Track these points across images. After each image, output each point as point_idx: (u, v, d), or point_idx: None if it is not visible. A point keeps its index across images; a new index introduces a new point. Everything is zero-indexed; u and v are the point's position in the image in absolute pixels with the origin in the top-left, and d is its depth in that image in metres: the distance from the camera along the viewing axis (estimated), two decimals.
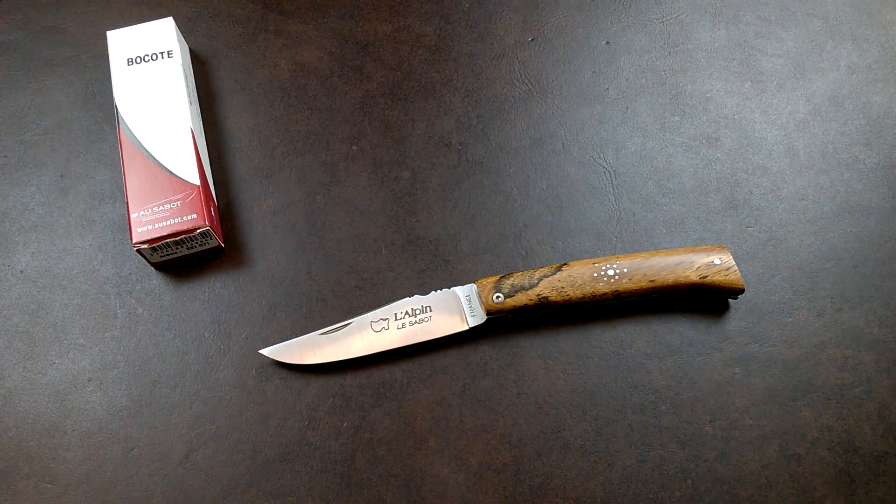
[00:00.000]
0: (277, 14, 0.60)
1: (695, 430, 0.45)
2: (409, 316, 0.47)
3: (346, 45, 0.59)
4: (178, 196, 0.48)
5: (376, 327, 0.47)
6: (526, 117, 0.56)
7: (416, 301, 0.47)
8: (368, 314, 0.47)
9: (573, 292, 0.46)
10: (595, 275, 0.46)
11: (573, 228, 0.51)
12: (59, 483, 0.44)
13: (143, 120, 0.51)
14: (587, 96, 0.56)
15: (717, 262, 0.46)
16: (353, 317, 0.47)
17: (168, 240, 0.47)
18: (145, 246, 0.47)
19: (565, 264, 0.47)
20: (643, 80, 0.57)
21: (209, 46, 0.59)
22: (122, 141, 0.50)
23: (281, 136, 0.55)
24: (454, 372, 0.47)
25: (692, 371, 0.46)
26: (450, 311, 0.47)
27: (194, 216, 0.47)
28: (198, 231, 0.47)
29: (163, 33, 0.54)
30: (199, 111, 0.55)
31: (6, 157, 0.54)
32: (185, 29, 0.59)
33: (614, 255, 0.48)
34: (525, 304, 0.46)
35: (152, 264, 0.50)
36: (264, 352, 0.46)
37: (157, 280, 0.50)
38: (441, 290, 0.48)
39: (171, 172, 0.49)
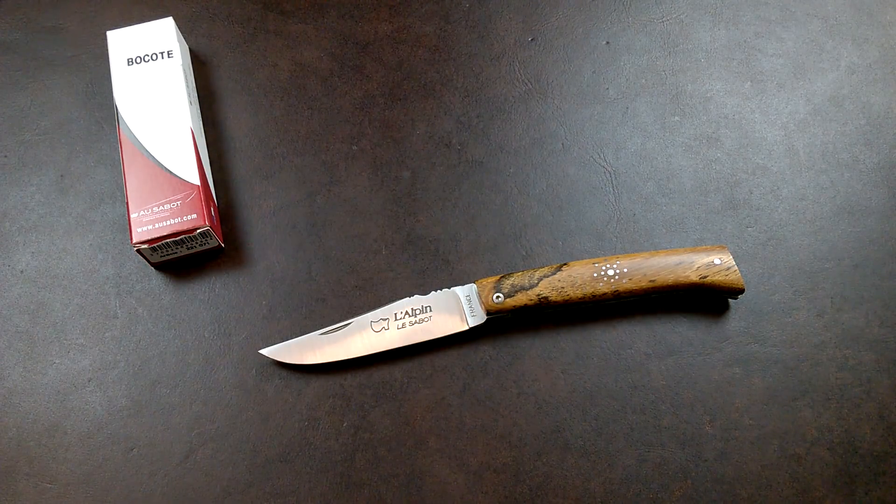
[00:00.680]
0: (277, 14, 0.60)
1: (695, 430, 0.45)
2: (409, 316, 0.47)
3: (346, 45, 0.59)
4: (178, 196, 0.48)
5: (376, 327, 0.47)
6: (526, 117, 0.56)
7: (416, 301, 0.47)
8: (368, 314, 0.47)
9: (573, 292, 0.46)
10: (595, 275, 0.46)
11: (573, 228, 0.51)
12: (59, 483, 0.44)
13: (143, 120, 0.51)
14: (587, 96, 0.56)
15: (717, 262, 0.46)
16: (353, 317, 0.47)
17: (168, 240, 0.47)
18: (145, 246, 0.47)
19: (565, 264, 0.47)
20: (643, 80, 0.57)
21: (209, 46, 0.59)
22: (122, 141, 0.50)
23: (281, 136, 0.55)
24: (454, 372, 0.47)
25: (692, 371, 0.46)
26: (450, 311, 0.47)
27: (194, 216, 0.47)
28: (198, 231, 0.47)
29: (163, 33, 0.54)
30: (199, 111, 0.55)
31: (6, 157, 0.54)
32: (185, 29, 0.59)
33: (614, 255, 0.48)
34: (525, 304, 0.46)
35: (152, 264, 0.50)
36: (264, 352, 0.46)
37: (157, 280, 0.50)
38: (441, 290, 0.48)
39: (171, 172, 0.49)
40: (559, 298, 0.46)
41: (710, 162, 0.54)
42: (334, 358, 0.46)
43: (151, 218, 0.47)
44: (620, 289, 0.46)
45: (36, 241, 0.51)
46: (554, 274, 0.46)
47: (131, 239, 0.47)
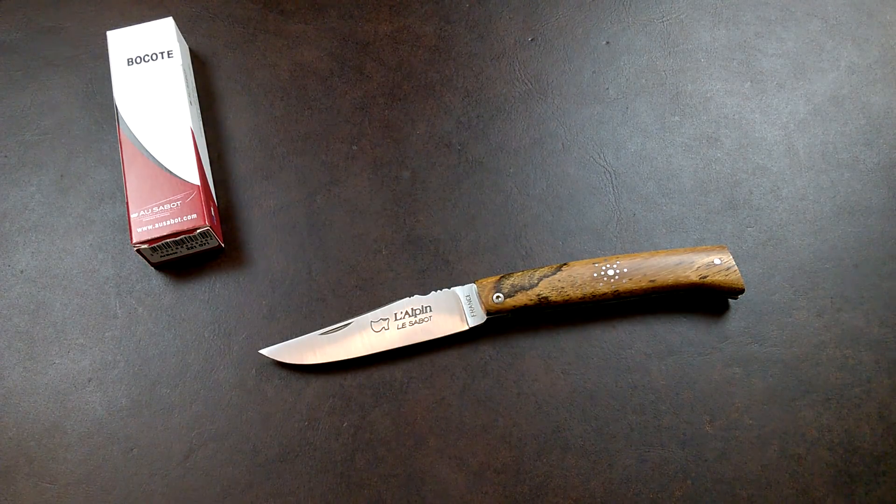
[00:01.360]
0: (277, 14, 0.60)
1: (695, 430, 0.45)
2: (409, 316, 0.47)
3: (346, 45, 0.59)
4: (178, 196, 0.48)
5: (376, 327, 0.47)
6: (526, 117, 0.56)
7: (416, 301, 0.47)
8: (368, 314, 0.47)
9: (573, 292, 0.46)
10: (595, 275, 0.46)
11: (573, 228, 0.51)
12: (59, 483, 0.44)
13: (143, 120, 0.51)
14: (587, 96, 0.56)
15: (717, 262, 0.46)
16: (353, 317, 0.47)
17: (168, 240, 0.47)
18: (145, 246, 0.47)
19: (565, 264, 0.47)
20: (643, 80, 0.57)
21: (209, 46, 0.59)
22: (122, 141, 0.50)
23: (281, 136, 0.55)
24: (454, 372, 0.47)
25: (692, 371, 0.46)
26: (450, 311, 0.47)
27: (194, 216, 0.47)
28: (198, 231, 0.47)
29: (163, 33, 0.54)
30: (198, 111, 0.55)
31: (6, 157, 0.54)
32: (185, 29, 0.59)
33: (614, 255, 0.48)
34: (525, 304, 0.46)
35: (152, 264, 0.50)
36: (264, 352, 0.46)
37: (157, 280, 0.50)
38: (441, 290, 0.48)
39: (171, 172, 0.49)
40: (559, 298, 0.46)
41: (710, 162, 0.54)
42: (334, 358, 0.46)
43: (151, 218, 0.47)
44: (620, 289, 0.46)
45: (36, 241, 0.51)
46: (554, 274, 0.46)
47: (131, 239, 0.47)
